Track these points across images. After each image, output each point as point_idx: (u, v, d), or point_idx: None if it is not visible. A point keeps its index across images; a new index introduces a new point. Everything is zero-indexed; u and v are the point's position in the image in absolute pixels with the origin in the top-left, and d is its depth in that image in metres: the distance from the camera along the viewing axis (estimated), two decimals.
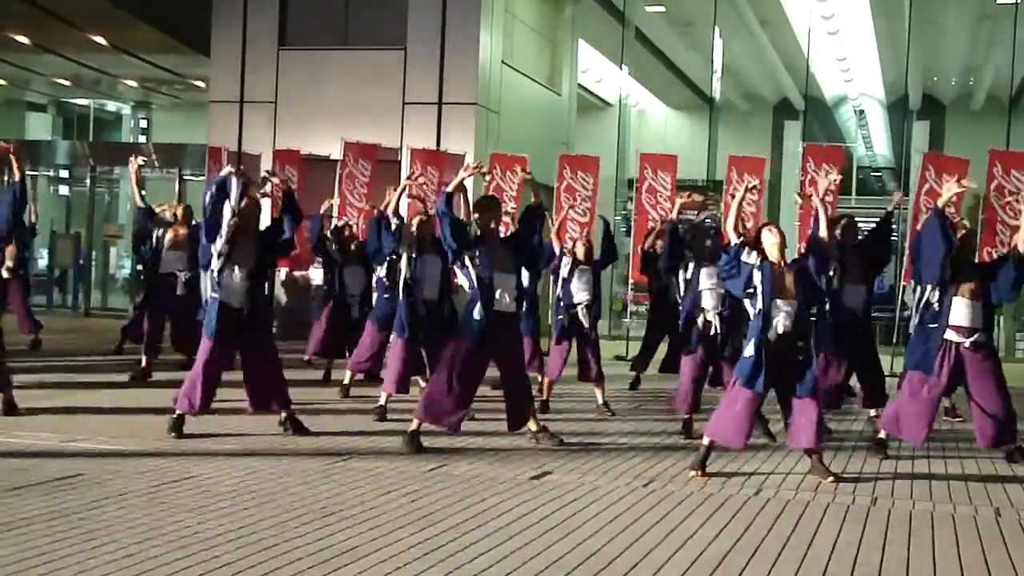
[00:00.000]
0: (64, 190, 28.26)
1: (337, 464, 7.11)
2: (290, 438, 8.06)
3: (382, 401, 9.15)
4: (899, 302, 15.50)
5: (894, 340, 15.21)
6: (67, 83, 28.67)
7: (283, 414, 8.27)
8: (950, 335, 7.71)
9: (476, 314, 7.70)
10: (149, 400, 9.55)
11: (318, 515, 5.67)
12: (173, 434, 7.88)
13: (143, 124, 32.60)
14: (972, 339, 7.68)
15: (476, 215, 7.99)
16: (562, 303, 10.19)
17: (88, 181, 24.42)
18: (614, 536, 5.47)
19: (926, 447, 8.34)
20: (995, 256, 13.64)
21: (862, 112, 33.36)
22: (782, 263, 7.11)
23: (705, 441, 7.21)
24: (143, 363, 11.22)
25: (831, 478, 7.04)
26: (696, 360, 8.81)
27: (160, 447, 7.48)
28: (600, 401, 10.01)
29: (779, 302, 6.99)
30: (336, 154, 16.75)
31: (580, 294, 10.06)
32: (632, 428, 9.22)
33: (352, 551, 5.00)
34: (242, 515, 5.62)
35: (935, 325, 7.81)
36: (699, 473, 7.11)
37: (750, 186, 8.30)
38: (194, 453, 7.32)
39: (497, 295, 7.75)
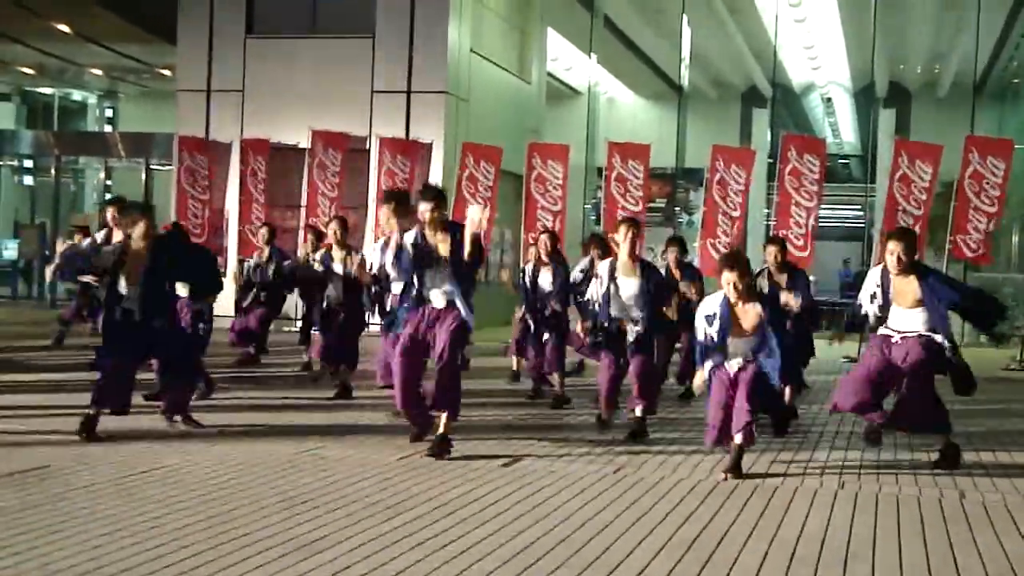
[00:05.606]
0: (29, 180, 27.99)
1: (306, 454, 7.10)
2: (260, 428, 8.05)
3: None
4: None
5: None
6: (31, 72, 28.34)
7: None
8: None
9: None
10: None
11: (288, 504, 5.66)
12: None
13: (109, 113, 32.26)
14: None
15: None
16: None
17: (53, 171, 24.21)
18: (584, 522, 5.49)
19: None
20: (970, 244, 14.04)
21: (829, 100, 33.55)
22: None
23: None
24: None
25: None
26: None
27: (128, 438, 7.43)
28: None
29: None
30: (304, 142, 16.68)
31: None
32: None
33: (323, 539, 5.00)
34: (211, 505, 5.60)
35: None
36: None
37: None
38: (163, 444, 7.28)
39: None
